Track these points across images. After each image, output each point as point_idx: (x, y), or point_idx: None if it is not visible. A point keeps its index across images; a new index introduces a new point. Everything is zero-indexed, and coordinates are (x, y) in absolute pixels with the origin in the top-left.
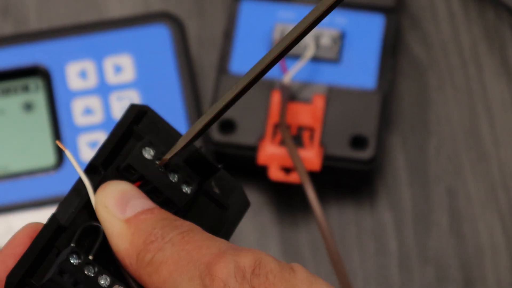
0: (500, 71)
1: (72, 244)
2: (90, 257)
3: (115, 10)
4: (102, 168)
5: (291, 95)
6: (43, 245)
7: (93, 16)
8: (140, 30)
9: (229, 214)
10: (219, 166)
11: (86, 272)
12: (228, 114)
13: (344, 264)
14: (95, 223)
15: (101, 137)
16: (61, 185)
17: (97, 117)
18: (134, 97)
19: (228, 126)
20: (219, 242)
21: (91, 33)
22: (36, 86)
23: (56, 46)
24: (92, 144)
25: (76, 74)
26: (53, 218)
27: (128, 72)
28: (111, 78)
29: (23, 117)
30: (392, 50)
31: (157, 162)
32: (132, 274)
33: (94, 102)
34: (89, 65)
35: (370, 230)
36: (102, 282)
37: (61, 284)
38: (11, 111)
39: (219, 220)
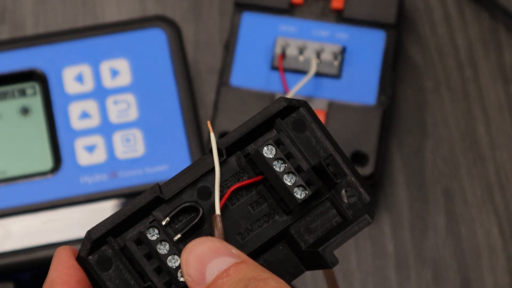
0: (496, 73)
1: (165, 220)
2: (178, 236)
3: (112, 15)
4: (225, 152)
5: None
6: (137, 209)
7: (90, 21)
8: (136, 34)
9: (347, 226)
10: (338, 181)
11: (159, 249)
12: (228, 127)
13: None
14: (195, 205)
15: (99, 140)
16: (58, 189)
17: (94, 121)
18: (131, 101)
19: None
20: None
21: (87, 37)
22: (33, 90)
23: (52, 50)
24: (89, 148)
25: (73, 78)
26: (155, 187)
27: (125, 76)
28: (108, 82)
29: (20, 122)
30: (392, 66)
31: (277, 161)
32: None
33: (91, 106)
34: (85, 69)
35: (367, 232)
36: (171, 262)
37: (135, 253)
38: (8, 116)
39: (334, 228)
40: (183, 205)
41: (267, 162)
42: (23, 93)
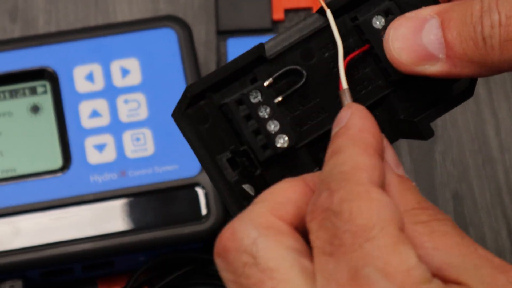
0: (506, 75)
1: (268, 80)
2: (280, 98)
3: (124, 15)
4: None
5: None
6: (239, 68)
7: (102, 20)
8: (147, 34)
9: (447, 99)
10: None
11: (260, 112)
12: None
13: None
14: (300, 69)
15: (108, 139)
16: (68, 188)
17: (104, 120)
18: (141, 100)
19: None
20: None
21: (98, 36)
22: (43, 88)
23: (64, 49)
24: (99, 147)
25: (84, 77)
26: (260, 46)
27: (135, 76)
28: (118, 81)
29: (31, 120)
30: None
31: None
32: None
33: (101, 104)
34: (96, 68)
35: None
36: (271, 127)
37: (235, 113)
38: (18, 114)
39: (434, 100)
40: (288, 68)
41: (375, 32)
42: (33, 91)
